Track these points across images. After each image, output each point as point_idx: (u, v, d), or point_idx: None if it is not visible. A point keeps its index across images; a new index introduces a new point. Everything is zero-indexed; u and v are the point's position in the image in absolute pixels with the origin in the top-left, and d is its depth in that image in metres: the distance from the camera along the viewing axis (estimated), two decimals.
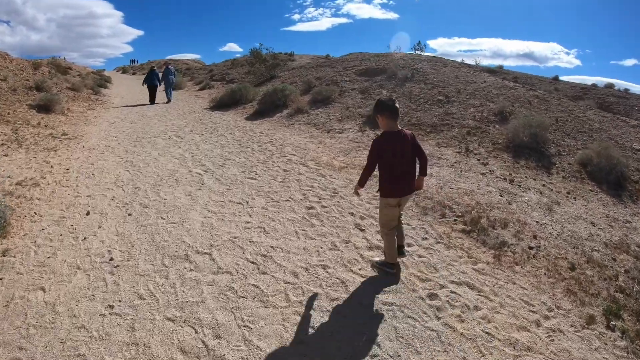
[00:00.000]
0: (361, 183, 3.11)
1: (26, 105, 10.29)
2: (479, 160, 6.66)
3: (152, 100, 14.39)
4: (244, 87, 12.28)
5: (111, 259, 3.25)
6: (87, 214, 4.16)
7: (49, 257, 3.36)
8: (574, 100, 10.65)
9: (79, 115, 10.76)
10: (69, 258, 3.34)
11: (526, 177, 6.36)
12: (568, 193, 6.06)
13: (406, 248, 3.80)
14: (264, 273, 3.10)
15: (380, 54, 14.92)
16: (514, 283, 3.62)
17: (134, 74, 41.21)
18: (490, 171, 6.31)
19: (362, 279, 3.20)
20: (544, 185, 6.20)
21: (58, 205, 4.45)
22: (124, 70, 48.24)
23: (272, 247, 3.50)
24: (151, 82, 14.27)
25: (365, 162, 3.23)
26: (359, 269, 3.33)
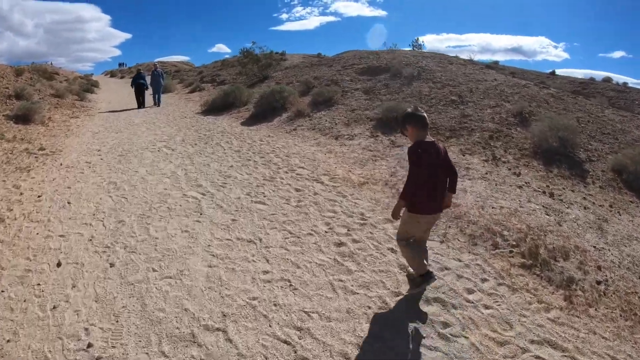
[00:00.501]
0: (405, 197, 2.60)
1: (2, 116, 9.08)
2: (509, 169, 5.83)
3: (140, 105, 13.50)
4: (237, 89, 11.22)
5: (89, 345, 2.29)
6: (59, 264, 3.17)
7: (8, 341, 2.39)
8: (576, 95, 9.89)
9: (61, 125, 9.58)
10: (34, 342, 2.37)
11: (564, 188, 5.57)
12: (611, 207, 5.28)
13: (467, 295, 2.98)
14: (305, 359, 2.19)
15: (379, 51, 14.01)
16: (595, 333, 2.87)
17: (122, 77, 39.56)
18: (526, 183, 5.49)
19: (430, 350, 2.34)
20: (584, 198, 5.42)
21: (24, 251, 3.44)
22: (112, 74, 46.36)
23: (305, 312, 2.59)
24: (138, 85, 13.37)
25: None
26: (424, 337, 2.47)
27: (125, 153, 6.75)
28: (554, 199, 5.19)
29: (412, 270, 2.93)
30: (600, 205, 5.32)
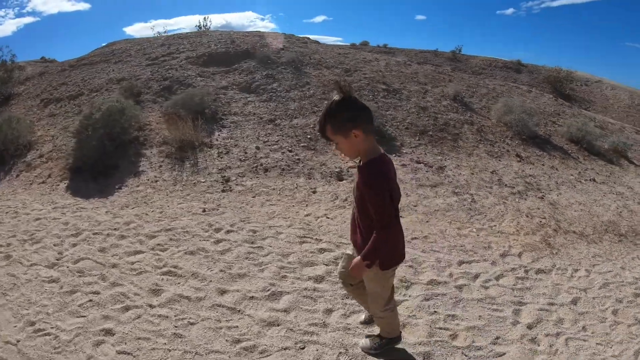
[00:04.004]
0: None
1: None
2: (544, 165, 5.60)
3: None
4: (10, 121, 5.49)
5: None
6: None
7: None
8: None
9: None
10: None
11: (584, 170, 5.88)
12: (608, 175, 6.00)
13: None
14: None
15: (182, 34, 10.67)
16: None
17: None
18: (577, 174, 5.42)
19: None
20: (607, 177, 5.91)
21: None
22: None
23: None
24: None
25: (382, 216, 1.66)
26: None
27: None
28: (605, 185, 5.34)
29: (380, 334, 2.14)
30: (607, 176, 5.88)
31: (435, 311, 2.53)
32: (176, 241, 3.43)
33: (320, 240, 3.35)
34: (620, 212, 4.70)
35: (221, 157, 5.19)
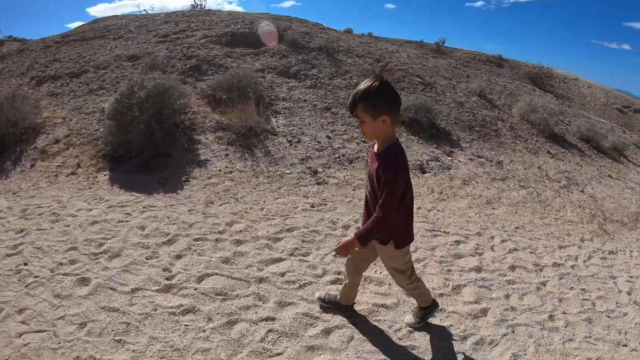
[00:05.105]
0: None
1: None
2: (570, 162, 6.49)
3: None
4: (14, 100, 5.10)
5: None
6: None
7: None
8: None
9: None
10: None
11: (601, 166, 6.88)
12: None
13: None
14: None
15: (185, 12, 10.35)
16: None
17: None
18: (600, 169, 6.39)
19: None
20: (623, 172, 6.94)
21: None
22: None
23: None
24: None
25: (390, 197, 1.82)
26: None
27: None
28: (620, 181, 6.37)
29: (419, 305, 2.38)
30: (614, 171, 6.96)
31: (572, 287, 3.14)
32: (311, 243, 3.27)
33: (448, 232, 3.74)
34: None
35: (294, 147, 5.39)
